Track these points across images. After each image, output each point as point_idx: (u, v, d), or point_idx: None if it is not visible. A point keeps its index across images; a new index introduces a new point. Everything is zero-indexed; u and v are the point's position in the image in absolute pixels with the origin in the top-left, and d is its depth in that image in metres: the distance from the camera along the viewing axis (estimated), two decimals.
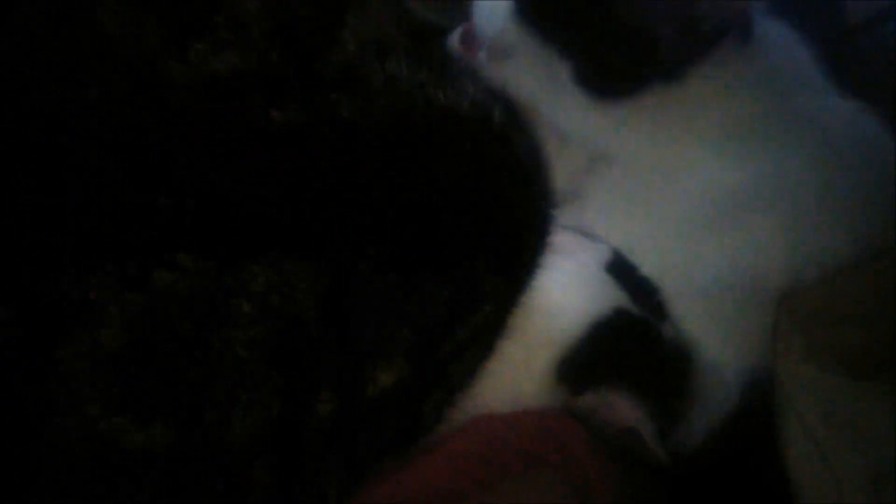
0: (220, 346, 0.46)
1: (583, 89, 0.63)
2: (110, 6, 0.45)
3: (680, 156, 0.65)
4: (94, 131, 0.44)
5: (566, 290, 0.65)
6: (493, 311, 0.58)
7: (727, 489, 0.64)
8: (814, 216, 0.62)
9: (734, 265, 0.63)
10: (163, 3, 0.46)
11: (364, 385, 0.51)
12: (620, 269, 0.67)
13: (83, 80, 0.44)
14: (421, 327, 0.52)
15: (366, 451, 0.54)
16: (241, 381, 0.47)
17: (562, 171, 0.70)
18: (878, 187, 0.63)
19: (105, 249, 0.44)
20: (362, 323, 0.50)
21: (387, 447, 0.55)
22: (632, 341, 0.64)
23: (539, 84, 0.66)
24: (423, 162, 0.53)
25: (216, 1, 0.48)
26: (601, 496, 0.58)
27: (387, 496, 0.56)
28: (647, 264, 0.67)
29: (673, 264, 0.65)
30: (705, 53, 0.62)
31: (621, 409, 0.61)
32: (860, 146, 0.65)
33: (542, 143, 0.65)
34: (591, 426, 0.61)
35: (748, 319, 0.64)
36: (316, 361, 0.49)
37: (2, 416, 0.43)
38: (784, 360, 0.60)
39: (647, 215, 0.67)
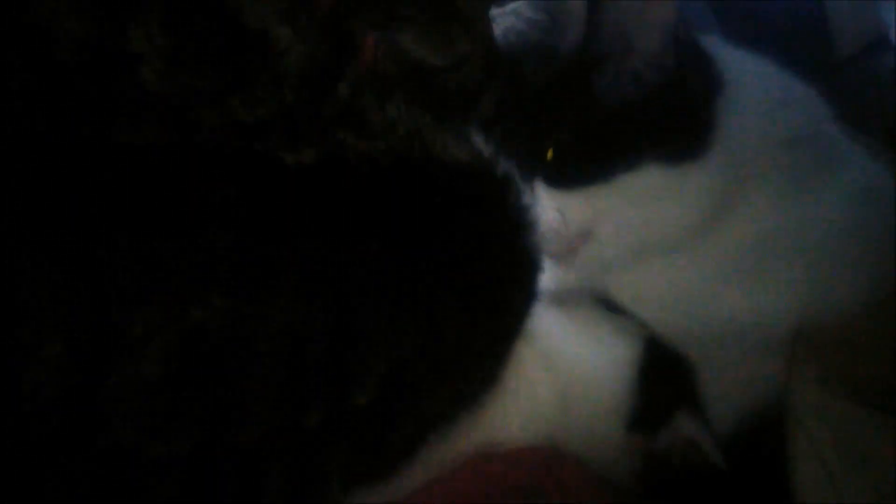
0: (241, 379, 0.50)
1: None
2: (155, 65, 0.47)
3: (701, 199, 0.65)
4: (139, 174, 0.47)
5: (600, 345, 0.66)
6: (463, 354, 0.59)
7: None
8: (831, 265, 0.63)
9: (750, 312, 0.64)
10: (210, 63, 0.49)
11: (344, 405, 0.54)
12: None
13: (125, 129, 0.48)
14: (394, 364, 0.55)
15: (351, 454, 0.57)
16: (254, 407, 0.51)
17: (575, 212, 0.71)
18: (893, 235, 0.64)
19: (149, 286, 0.47)
20: (352, 358, 0.53)
21: (366, 455, 0.58)
22: (670, 364, 0.66)
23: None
24: (419, 206, 0.56)
25: (262, 61, 0.50)
26: None
27: None
28: (660, 305, 0.67)
29: (686, 306, 0.66)
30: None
31: (687, 426, 0.63)
32: (875, 195, 0.66)
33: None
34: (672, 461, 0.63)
35: (752, 363, 0.65)
36: (313, 389, 0.53)
37: (49, 442, 0.46)
38: (798, 385, 0.62)
39: (665, 255, 0.67)
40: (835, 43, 0.94)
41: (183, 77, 0.48)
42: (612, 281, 0.70)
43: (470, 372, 0.60)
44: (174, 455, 0.49)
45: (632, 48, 0.64)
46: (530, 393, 0.63)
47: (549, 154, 0.66)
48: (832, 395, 0.60)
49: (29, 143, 0.46)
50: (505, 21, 0.73)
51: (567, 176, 0.66)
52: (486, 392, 0.61)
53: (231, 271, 0.49)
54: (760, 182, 0.65)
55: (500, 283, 0.60)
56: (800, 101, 0.69)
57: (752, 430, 0.65)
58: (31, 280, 0.45)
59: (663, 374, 0.65)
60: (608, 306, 0.69)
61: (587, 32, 0.66)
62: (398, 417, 0.58)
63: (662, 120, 0.64)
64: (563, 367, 0.65)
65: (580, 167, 0.65)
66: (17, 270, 0.45)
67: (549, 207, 0.66)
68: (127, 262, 0.46)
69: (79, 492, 0.48)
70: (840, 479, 0.57)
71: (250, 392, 0.50)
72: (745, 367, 0.66)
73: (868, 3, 0.95)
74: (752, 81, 0.68)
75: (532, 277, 0.63)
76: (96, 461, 0.47)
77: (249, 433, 0.51)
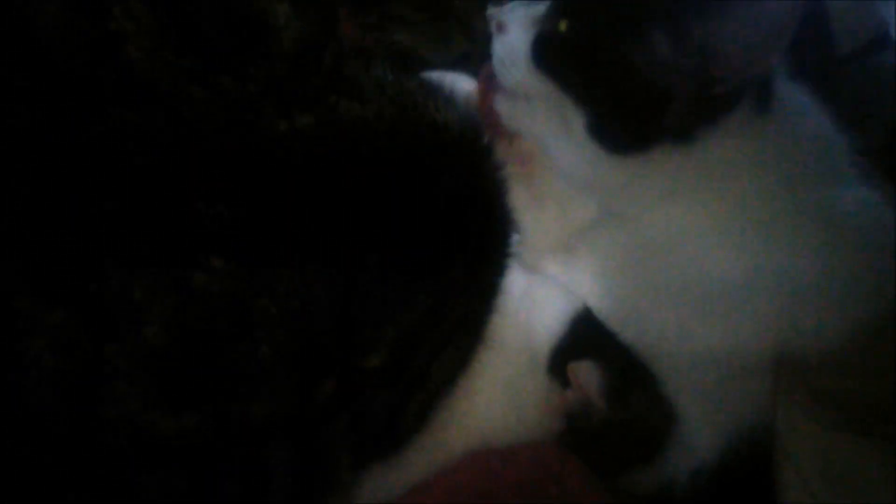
0: (247, 344, 0.49)
1: (594, 140, 0.63)
2: (141, 44, 0.47)
3: (683, 225, 0.64)
4: (133, 147, 0.47)
5: (543, 295, 0.67)
6: (464, 315, 0.60)
7: None
8: (812, 301, 0.60)
9: (726, 342, 0.62)
10: (199, 41, 0.49)
11: (357, 371, 0.55)
12: None
13: (115, 106, 0.47)
14: (404, 327, 0.55)
15: (363, 425, 0.57)
16: (262, 376, 0.50)
17: (561, 223, 0.72)
18: (880, 273, 0.61)
19: (150, 253, 0.47)
20: (361, 324, 0.54)
21: (379, 429, 0.59)
22: (601, 329, 0.66)
23: (552, 131, 0.66)
24: (416, 171, 0.56)
25: (257, 37, 0.51)
26: None
27: None
28: (633, 328, 0.65)
29: (661, 333, 0.64)
30: (719, 116, 0.61)
31: (582, 373, 0.63)
32: (867, 234, 0.63)
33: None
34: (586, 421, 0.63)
35: (733, 387, 0.63)
36: (323, 356, 0.53)
37: (58, 410, 0.46)
38: (785, 413, 0.61)
39: (642, 280, 0.66)
40: (836, 40, 0.94)
41: (170, 55, 0.48)
42: (592, 296, 0.68)
43: (468, 332, 0.61)
44: (185, 430, 0.49)
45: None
46: (498, 344, 0.64)
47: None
48: (818, 422, 0.59)
49: (18, 122, 0.46)
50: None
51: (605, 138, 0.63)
52: (478, 352, 0.62)
53: (231, 235, 0.48)
54: (751, 210, 0.62)
55: (489, 246, 0.61)
56: (824, 144, 0.66)
57: (740, 458, 0.63)
58: (28, 248, 0.45)
59: (585, 330, 0.66)
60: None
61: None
62: (410, 386, 0.58)
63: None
64: (522, 319, 0.66)
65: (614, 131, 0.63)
66: (14, 240, 0.45)
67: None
68: (124, 228, 0.46)
69: (86, 467, 0.48)
70: None
71: (260, 359, 0.50)
72: (725, 391, 0.64)
73: (869, 1, 0.95)
74: (792, 110, 0.65)
75: (508, 240, 0.64)
76: (105, 437, 0.47)
77: (261, 406, 0.51)
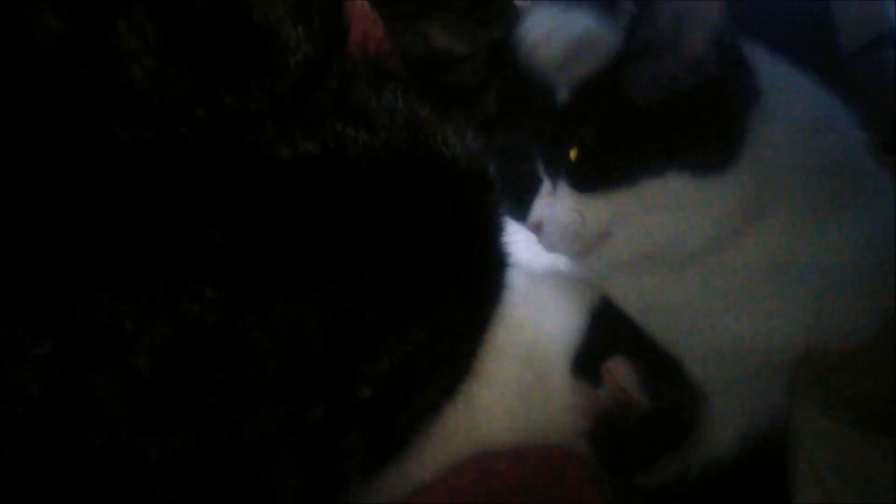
0: (239, 375, 0.49)
1: (693, 175, 0.62)
2: (145, 62, 0.46)
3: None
4: (126, 166, 0.46)
5: (552, 295, 0.68)
6: (456, 348, 0.60)
7: None
8: (841, 295, 0.62)
9: (754, 335, 0.63)
10: (203, 57, 0.48)
11: (349, 397, 0.54)
12: None
13: (115, 127, 0.46)
14: (397, 360, 0.55)
15: (361, 445, 0.56)
16: (253, 403, 0.50)
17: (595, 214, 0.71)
18: None
19: (140, 281, 0.46)
20: (355, 355, 0.53)
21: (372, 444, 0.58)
22: (622, 321, 0.67)
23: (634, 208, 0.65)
24: (418, 204, 0.55)
25: (261, 56, 0.49)
26: None
27: None
28: (664, 318, 0.66)
29: (691, 326, 0.65)
30: (742, 132, 0.62)
31: (617, 369, 0.63)
32: (889, 221, 0.63)
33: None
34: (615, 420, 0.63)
35: (756, 383, 0.64)
36: (315, 383, 0.52)
37: (41, 438, 0.45)
38: (801, 410, 0.61)
39: (672, 274, 0.66)
40: (839, 38, 0.94)
41: (173, 72, 0.47)
42: (619, 288, 0.69)
43: (457, 365, 0.61)
44: (174, 453, 0.48)
45: (673, 48, 0.62)
46: (503, 348, 0.65)
47: (573, 153, 0.64)
48: (834, 420, 0.59)
49: (8, 142, 0.44)
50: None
51: (590, 177, 0.64)
52: (467, 382, 0.62)
53: (225, 264, 0.47)
54: (781, 205, 0.63)
55: (484, 282, 0.61)
56: (836, 127, 0.66)
57: (756, 454, 0.64)
58: (15, 275, 0.44)
59: (607, 324, 0.66)
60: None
61: (628, 29, 0.65)
62: (396, 410, 0.58)
63: (692, 126, 0.62)
64: (528, 322, 0.66)
65: (603, 169, 0.64)
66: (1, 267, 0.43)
67: (569, 208, 0.65)
68: (115, 256, 0.45)
69: (74, 495, 0.47)
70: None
71: (251, 386, 0.49)
72: (748, 388, 0.64)
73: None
74: (791, 98, 0.65)
75: (506, 275, 0.64)
76: (90, 461, 0.47)
77: (253, 428, 0.50)
